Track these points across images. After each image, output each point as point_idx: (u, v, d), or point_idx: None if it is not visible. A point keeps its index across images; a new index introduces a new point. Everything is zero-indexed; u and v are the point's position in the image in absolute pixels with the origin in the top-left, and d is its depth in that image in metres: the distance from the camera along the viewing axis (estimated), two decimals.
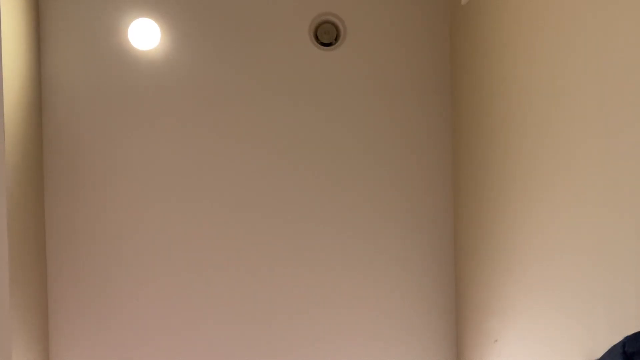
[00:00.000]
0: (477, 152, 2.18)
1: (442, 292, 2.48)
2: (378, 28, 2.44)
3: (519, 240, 1.82)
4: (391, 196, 2.46)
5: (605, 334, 1.31)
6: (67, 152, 2.35)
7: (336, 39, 2.43)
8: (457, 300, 2.47)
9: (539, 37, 1.64)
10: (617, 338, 1.09)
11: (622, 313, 1.24)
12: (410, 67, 2.45)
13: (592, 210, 1.37)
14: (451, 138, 2.45)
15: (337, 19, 2.41)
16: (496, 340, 2.02)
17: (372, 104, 2.45)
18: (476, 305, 2.23)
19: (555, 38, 1.54)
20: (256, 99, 2.42)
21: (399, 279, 2.47)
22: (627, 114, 1.22)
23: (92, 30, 2.34)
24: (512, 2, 1.82)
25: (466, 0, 2.20)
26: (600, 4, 1.32)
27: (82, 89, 2.35)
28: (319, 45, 2.42)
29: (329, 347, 2.46)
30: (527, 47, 1.72)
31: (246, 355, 2.44)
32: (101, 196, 2.37)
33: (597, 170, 1.34)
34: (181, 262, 2.41)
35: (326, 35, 2.43)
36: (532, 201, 1.72)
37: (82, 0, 2.33)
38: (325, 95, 2.44)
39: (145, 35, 2.34)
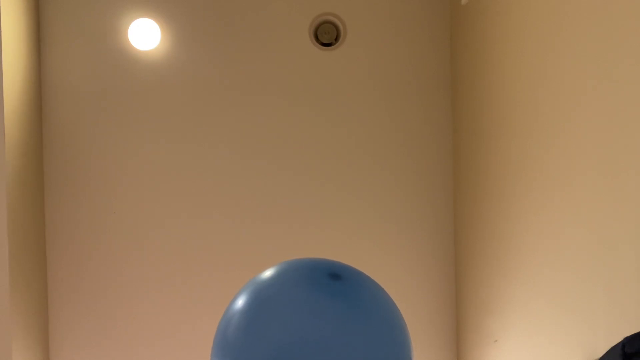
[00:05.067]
0: (478, 152, 2.18)
1: (442, 291, 2.48)
2: (378, 28, 2.43)
3: (519, 240, 1.82)
4: (391, 196, 2.46)
5: (605, 334, 1.30)
6: (67, 152, 2.35)
7: (336, 39, 2.43)
8: (457, 300, 2.47)
9: (539, 36, 1.64)
10: (617, 338, 1.09)
11: (622, 313, 1.24)
12: (411, 67, 2.45)
13: (592, 210, 1.37)
14: (452, 138, 2.45)
15: (337, 19, 2.41)
16: (496, 340, 2.02)
17: (372, 104, 2.45)
18: (476, 305, 2.23)
19: (556, 37, 1.54)
20: (256, 98, 2.42)
21: (399, 278, 2.47)
22: (629, 114, 1.22)
23: (92, 31, 2.34)
24: (512, 2, 1.82)
25: (466, 0, 2.20)
26: (602, 3, 1.31)
27: (82, 89, 2.35)
28: (319, 45, 2.42)
29: None
30: (527, 47, 1.72)
31: None
32: (101, 196, 2.37)
33: (598, 168, 1.34)
34: (181, 263, 2.41)
35: (326, 35, 2.43)
36: (532, 201, 1.72)
37: (82, 1, 2.33)
38: (325, 95, 2.44)
39: (145, 35, 2.34)
